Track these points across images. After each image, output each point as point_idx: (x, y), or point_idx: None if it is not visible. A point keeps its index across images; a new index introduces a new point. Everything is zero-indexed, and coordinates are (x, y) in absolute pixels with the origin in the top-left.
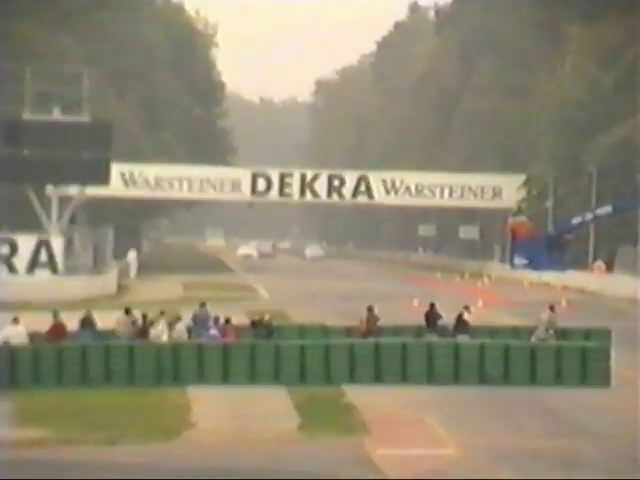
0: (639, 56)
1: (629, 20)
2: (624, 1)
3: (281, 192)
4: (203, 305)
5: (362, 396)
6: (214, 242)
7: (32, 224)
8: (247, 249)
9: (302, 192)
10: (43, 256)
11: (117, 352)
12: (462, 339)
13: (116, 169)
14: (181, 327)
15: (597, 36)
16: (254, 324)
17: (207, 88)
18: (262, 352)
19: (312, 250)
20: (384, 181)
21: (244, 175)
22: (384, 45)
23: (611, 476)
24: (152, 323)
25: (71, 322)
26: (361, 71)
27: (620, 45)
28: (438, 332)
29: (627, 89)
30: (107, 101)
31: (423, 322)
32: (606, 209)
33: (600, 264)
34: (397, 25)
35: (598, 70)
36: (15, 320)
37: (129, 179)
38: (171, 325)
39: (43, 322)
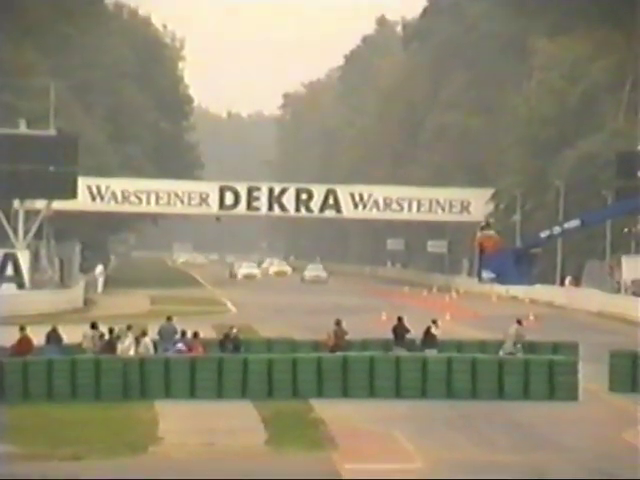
0: (606, 70)
1: (595, 35)
2: (590, 16)
3: (249, 206)
4: (170, 319)
5: (330, 410)
6: (193, 259)
7: None
8: (249, 268)
9: (270, 206)
10: (9, 270)
11: (83, 366)
12: (430, 353)
13: (83, 183)
14: (147, 341)
15: (563, 51)
16: (223, 339)
17: (174, 102)
18: (229, 366)
19: (313, 271)
20: (352, 195)
21: (212, 189)
22: (352, 59)
23: None
24: (119, 337)
25: (37, 336)
26: (329, 85)
27: (586, 59)
28: (406, 346)
29: (594, 103)
30: (73, 115)
31: (391, 336)
32: (574, 223)
33: (571, 280)
34: (365, 39)
35: (565, 84)
36: None
37: (96, 193)
38: (137, 339)
39: (9, 336)
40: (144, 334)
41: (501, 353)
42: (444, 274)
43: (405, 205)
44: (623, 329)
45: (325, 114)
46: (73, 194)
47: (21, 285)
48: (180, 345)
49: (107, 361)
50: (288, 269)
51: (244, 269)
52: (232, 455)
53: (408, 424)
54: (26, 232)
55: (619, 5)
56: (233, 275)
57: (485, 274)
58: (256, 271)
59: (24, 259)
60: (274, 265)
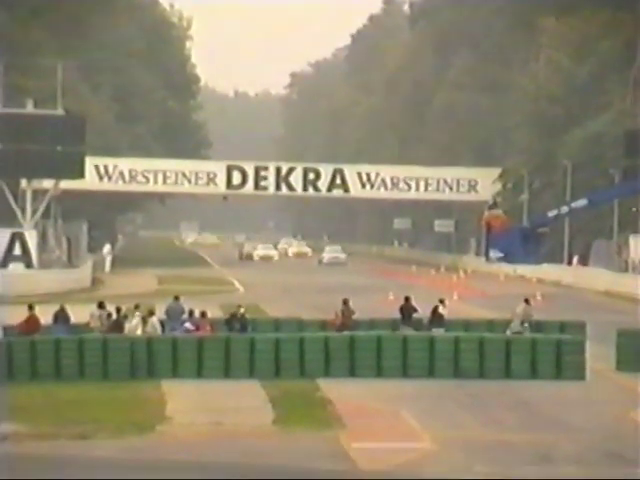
0: (613, 49)
1: (603, 14)
2: None
3: (256, 185)
4: (177, 299)
5: (337, 390)
6: (203, 239)
7: (6, 218)
8: (266, 249)
9: (277, 185)
10: (17, 250)
11: (91, 346)
12: (437, 332)
13: (90, 163)
14: (154, 321)
15: (571, 30)
16: (229, 319)
17: (181, 81)
18: (237, 346)
19: (331, 253)
20: (359, 174)
21: (219, 168)
22: (359, 38)
23: (585, 469)
24: (126, 317)
25: (45, 316)
26: (336, 64)
27: (594, 39)
28: (413, 325)
29: (601, 83)
30: (81, 95)
31: (398, 315)
32: (581, 202)
33: (579, 259)
34: (372, 18)
35: (572, 64)
36: None
37: (103, 173)
38: (144, 319)
39: (17, 316)
40: (151, 313)
41: (508, 332)
42: (451, 253)
43: (412, 184)
44: (630, 308)
45: (332, 93)
46: (81, 174)
47: (29, 265)
48: (188, 325)
49: (114, 340)
50: (308, 250)
51: (260, 250)
52: (240, 434)
53: (415, 403)
54: (34, 212)
55: None
56: (247, 256)
57: (493, 253)
58: (273, 252)
59: (32, 239)
60: (293, 246)
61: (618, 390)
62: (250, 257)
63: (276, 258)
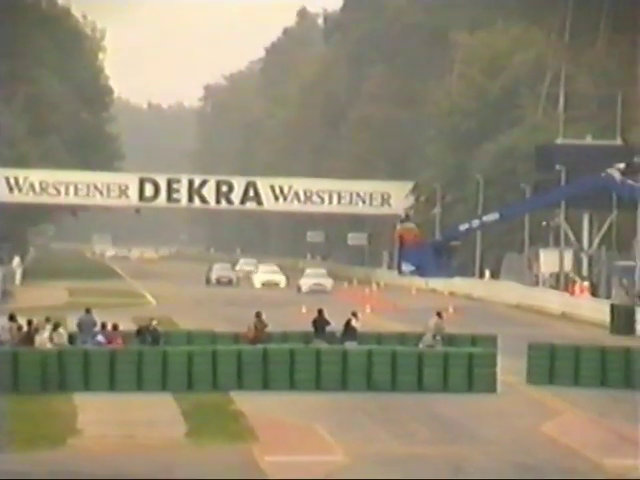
0: (525, 64)
1: (514, 30)
2: (509, 11)
3: (169, 198)
4: (89, 311)
5: (250, 403)
6: (136, 254)
7: None
8: (223, 271)
9: (190, 198)
10: None
11: (1, 359)
12: (350, 345)
13: (0, 174)
14: (61, 331)
15: (483, 45)
16: (140, 331)
17: (94, 93)
18: (149, 358)
19: (313, 278)
20: (272, 187)
21: (131, 180)
22: (273, 51)
23: None
24: (37, 330)
25: None
26: (250, 77)
27: (506, 54)
28: (326, 339)
29: (513, 97)
30: None
31: (311, 329)
32: (492, 216)
33: (582, 285)
34: (286, 31)
35: (485, 78)
36: None
37: (14, 184)
38: (52, 331)
39: None
40: (58, 325)
41: (421, 345)
42: (364, 267)
43: (325, 197)
44: (541, 321)
45: (246, 106)
46: None
47: None
48: (99, 337)
49: (25, 353)
50: (281, 279)
51: (218, 271)
52: (152, 447)
53: (328, 416)
54: None
55: (538, 0)
56: (220, 280)
57: (405, 266)
58: (232, 275)
59: None
60: (261, 272)
61: (529, 403)
62: (226, 283)
63: (235, 282)
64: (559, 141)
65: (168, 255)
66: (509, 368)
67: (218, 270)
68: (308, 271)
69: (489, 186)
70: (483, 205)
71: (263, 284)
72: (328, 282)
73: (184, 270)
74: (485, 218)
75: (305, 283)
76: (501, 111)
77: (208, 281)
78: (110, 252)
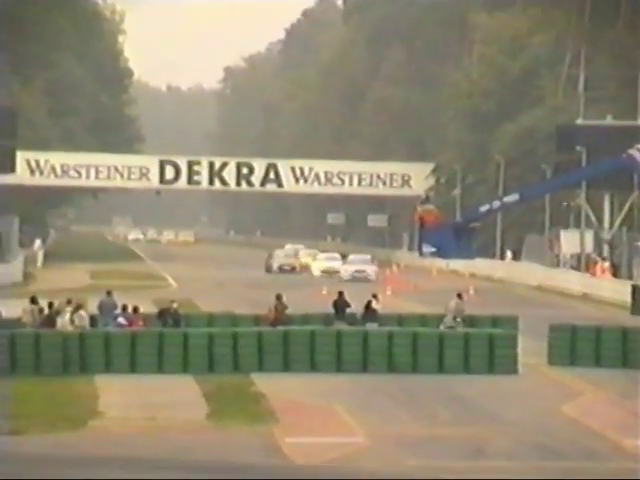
0: (545, 45)
1: (534, 10)
2: None
3: (189, 180)
4: (109, 293)
5: (271, 384)
6: (170, 236)
7: None
8: (286, 258)
9: (210, 180)
10: None
11: (23, 341)
12: (371, 327)
13: (21, 157)
14: (82, 313)
15: (503, 26)
16: (161, 313)
17: (113, 75)
18: (170, 340)
19: (354, 264)
20: (293, 169)
21: (152, 163)
22: (292, 33)
23: (519, 462)
24: (59, 312)
25: None
26: (269, 59)
27: (526, 34)
28: (347, 320)
29: (533, 78)
30: (12, 88)
31: (332, 310)
32: (513, 197)
33: (603, 266)
34: (305, 13)
35: (505, 59)
36: None
37: (35, 167)
38: (73, 313)
39: None
40: (79, 307)
41: (441, 327)
42: (384, 248)
43: (346, 179)
44: (562, 302)
45: (266, 88)
46: (12, 168)
47: None
48: (120, 319)
49: (46, 335)
50: (373, 270)
51: (280, 258)
52: (173, 429)
53: (349, 398)
54: None
55: None
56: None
57: (425, 248)
58: (295, 262)
59: None
60: (320, 259)
61: (550, 384)
62: (288, 270)
63: (298, 269)
64: (579, 122)
65: (201, 238)
66: (530, 349)
67: (280, 257)
68: (351, 257)
69: (509, 167)
70: (504, 186)
71: (322, 272)
72: (372, 269)
73: (233, 254)
74: (506, 199)
75: (346, 270)
76: (521, 92)
77: (268, 269)
78: (134, 235)
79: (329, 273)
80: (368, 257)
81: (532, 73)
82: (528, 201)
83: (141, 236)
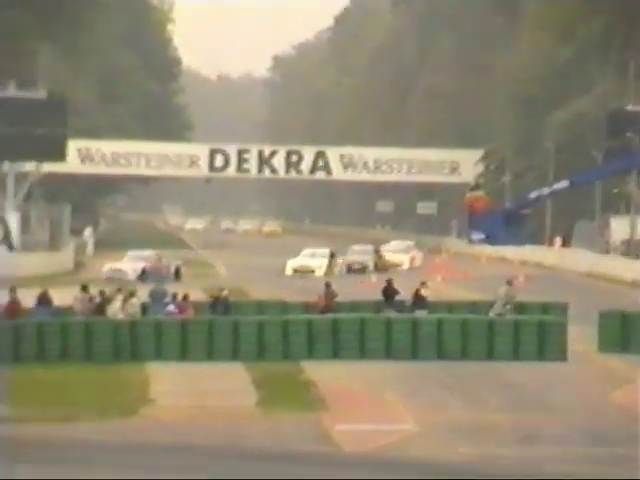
0: (595, 31)
1: None
2: None
3: (239, 168)
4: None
5: (320, 372)
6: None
7: None
8: (361, 254)
9: (260, 168)
10: None
11: (74, 329)
12: (420, 314)
13: (72, 145)
14: (134, 301)
15: (553, 11)
16: (213, 301)
17: (163, 64)
18: (220, 328)
19: (355, 254)
20: (342, 157)
21: (202, 151)
22: (341, 21)
23: (569, 448)
24: (109, 300)
25: (28, 299)
26: (318, 47)
27: (576, 20)
28: (396, 308)
29: (583, 64)
30: (63, 77)
31: (381, 298)
32: (563, 184)
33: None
34: (354, 1)
35: (555, 45)
36: None
37: (85, 155)
38: (124, 301)
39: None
40: (132, 295)
41: (491, 314)
42: (434, 236)
43: (395, 167)
44: (612, 289)
45: (315, 76)
46: (62, 156)
47: (11, 247)
48: (171, 307)
49: (97, 323)
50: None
51: (351, 255)
52: (223, 417)
53: (399, 385)
54: (16, 195)
55: None
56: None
57: (475, 235)
58: (369, 260)
59: (14, 222)
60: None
61: (600, 371)
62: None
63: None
64: (630, 108)
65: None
66: (580, 336)
67: (351, 254)
68: (393, 243)
69: (559, 153)
70: (553, 173)
71: (295, 271)
72: (418, 256)
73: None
74: (555, 186)
75: (340, 264)
76: (571, 78)
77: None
78: (191, 224)
79: (302, 272)
80: (410, 243)
81: (582, 59)
82: (578, 188)
83: (199, 226)
